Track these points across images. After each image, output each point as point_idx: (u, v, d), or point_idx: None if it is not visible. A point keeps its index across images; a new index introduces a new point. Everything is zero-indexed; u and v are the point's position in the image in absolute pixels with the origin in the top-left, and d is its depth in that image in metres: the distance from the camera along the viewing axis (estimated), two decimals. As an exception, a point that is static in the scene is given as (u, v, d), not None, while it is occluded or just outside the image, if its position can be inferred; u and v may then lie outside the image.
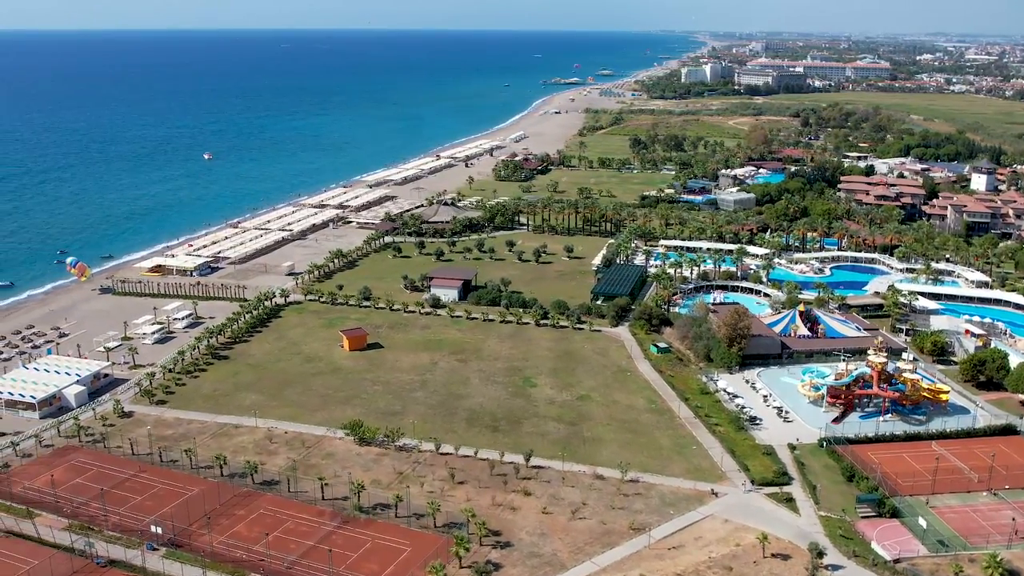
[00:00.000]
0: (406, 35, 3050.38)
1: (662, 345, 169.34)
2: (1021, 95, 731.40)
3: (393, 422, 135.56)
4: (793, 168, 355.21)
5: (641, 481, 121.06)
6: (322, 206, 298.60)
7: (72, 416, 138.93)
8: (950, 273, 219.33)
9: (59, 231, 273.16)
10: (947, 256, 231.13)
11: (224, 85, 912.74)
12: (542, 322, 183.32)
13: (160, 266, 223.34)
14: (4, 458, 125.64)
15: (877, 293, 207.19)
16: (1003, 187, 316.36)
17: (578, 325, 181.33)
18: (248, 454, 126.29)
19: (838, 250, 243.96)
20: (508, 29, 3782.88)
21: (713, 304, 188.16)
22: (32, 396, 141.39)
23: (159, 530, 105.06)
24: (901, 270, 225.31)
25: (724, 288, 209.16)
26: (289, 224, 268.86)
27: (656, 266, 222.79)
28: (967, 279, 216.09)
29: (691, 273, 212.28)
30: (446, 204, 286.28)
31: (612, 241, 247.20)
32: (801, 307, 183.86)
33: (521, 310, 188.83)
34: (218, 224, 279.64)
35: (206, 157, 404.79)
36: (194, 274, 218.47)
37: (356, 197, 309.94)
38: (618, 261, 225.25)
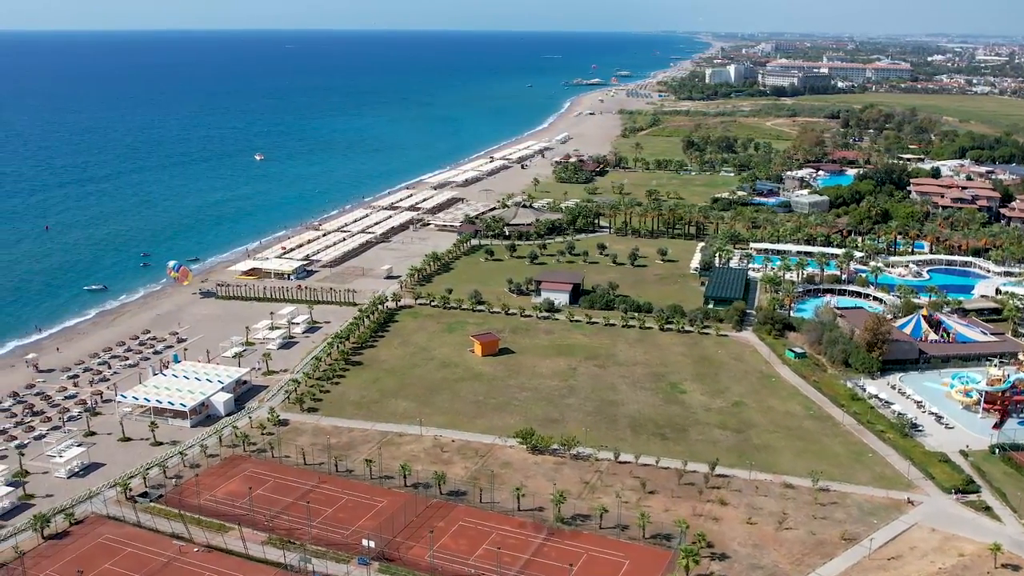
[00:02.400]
0: (407, 36, 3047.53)
1: (798, 350, 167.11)
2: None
3: (555, 429, 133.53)
4: (852, 171, 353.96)
5: (832, 490, 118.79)
6: (394, 208, 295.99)
7: (230, 424, 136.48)
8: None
9: (135, 234, 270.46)
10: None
11: (250, 86, 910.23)
12: (666, 326, 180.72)
13: (255, 269, 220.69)
14: (174, 469, 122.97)
15: (984, 296, 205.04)
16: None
17: (704, 330, 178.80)
18: (422, 463, 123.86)
19: (930, 253, 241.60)
20: (507, 30, 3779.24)
21: (823, 308, 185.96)
22: (182, 404, 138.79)
23: (371, 544, 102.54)
24: (999, 273, 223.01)
25: (832, 292, 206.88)
26: (370, 227, 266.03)
27: (755, 269, 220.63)
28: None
29: (797, 277, 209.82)
30: (524, 207, 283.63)
31: (703, 244, 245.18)
32: (924, 311, 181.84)
33: (637, 314, 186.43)
34: (294, 226, 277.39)
35: (258, 158, 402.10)
36: (291, 277, 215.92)
37: (426, 199, 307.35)
38: (716, 264, 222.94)
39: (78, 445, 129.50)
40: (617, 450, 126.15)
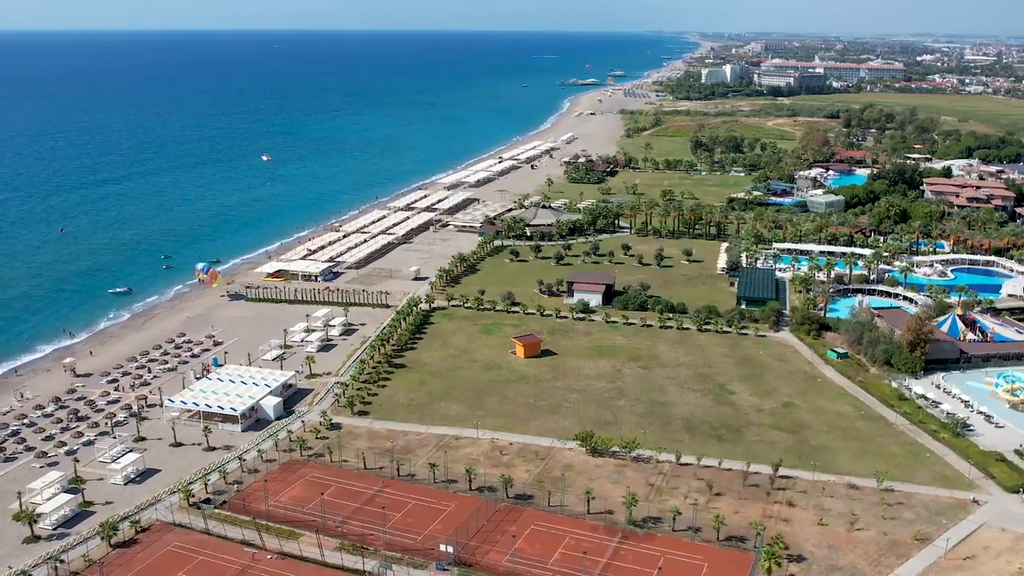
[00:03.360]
0: (395, 36, 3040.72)
1: (840, 351, 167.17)
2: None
3: (610, 432, 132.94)
4: (861, 170, 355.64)
5: (897, 490, 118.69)
6: (410, 208, 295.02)
7: (284, 428, 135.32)
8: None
9: (153, 237, 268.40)
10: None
11: (245, 86, 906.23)
12: (704, 327, 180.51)
13: (281, 271, 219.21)
14: (234, 475, 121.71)
15: (1012, 296, 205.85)
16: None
17: (742, 330, 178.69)
18: (483, 466, 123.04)
19: (951, 253, 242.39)
20: (492, 30, 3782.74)
21: (860, 308, 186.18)
22: (232, 408, 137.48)
23: (450, 549, 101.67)
24: (1023, 272, 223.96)
25: (861, 292, 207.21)
26: (390, 228, 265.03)
27: (782, 269, 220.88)
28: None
29: (827, 277, 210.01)
30: (544, 207, 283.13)
31: (727, 244, 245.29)
32: (959, 311, 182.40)
33: (673, 314, 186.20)
34: (312, 227, 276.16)
35: (265, 159, 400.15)
36: (319, 279, 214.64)
37: (441, 200, 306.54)
38: (743, 265, 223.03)
39: (130, 451, 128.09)
40: (679, 452, 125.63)
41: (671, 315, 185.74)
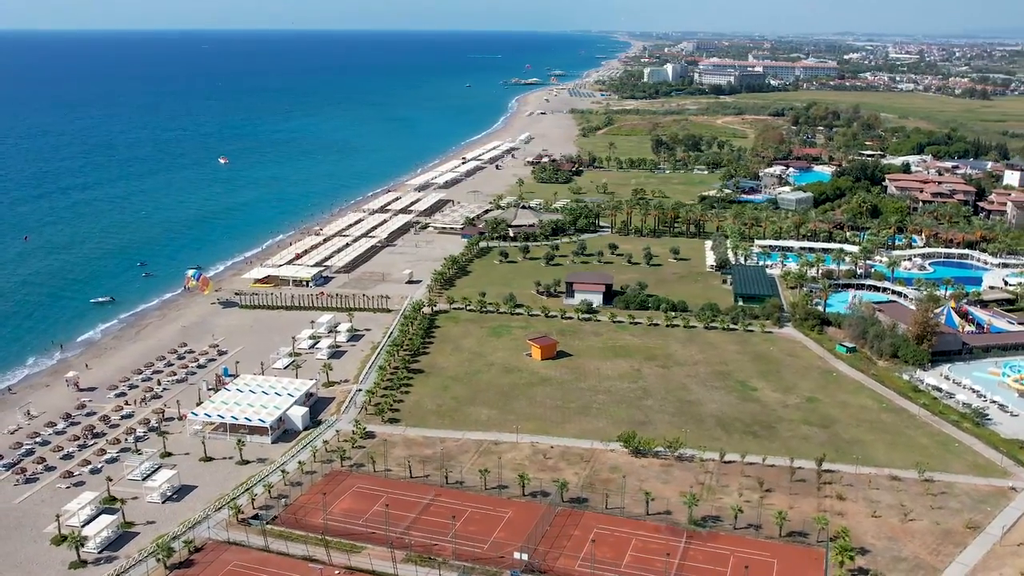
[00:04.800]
0: (324, 35, 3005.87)
1: (849, 345, 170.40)
2: (970, 93, 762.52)
3: (646, 432, 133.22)
4: (818, 167, 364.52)
5: (937, 480, 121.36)
6: (385, 210, 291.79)
7: (316, 438, 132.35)
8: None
9: (124, 243, 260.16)
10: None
11: (185, 87, 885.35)
12: (711, 325, 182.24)
13: (271, 277, 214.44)
14: (277, 489, 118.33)
15: (993, 288, 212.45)
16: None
17: (748, 327, 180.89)
18: (530, 470, 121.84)
19: (924, 247, 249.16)
20: (416, 30, 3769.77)
21: (860, 303, 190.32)
22: (261, 420, 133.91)
23: (525, 556, 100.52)
24: (997, 265, 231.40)
25: (850, 287, 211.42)
26: (371, 231, 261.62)
27: (769, 266, 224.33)
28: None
29: (817, 272, 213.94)
30: (524, 207, 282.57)
31: (712, 242, 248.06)
32: (952, 304, 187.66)
33: (680, 313, 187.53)
34: (287, 231, 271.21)
35: (222, 161, 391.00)
36: (310, 284, 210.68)
37: (415, 202, 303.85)
38: (732, 262, 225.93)
39: (159, 467, 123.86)
40: (723, 450, 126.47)
41: (675, 313, 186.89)
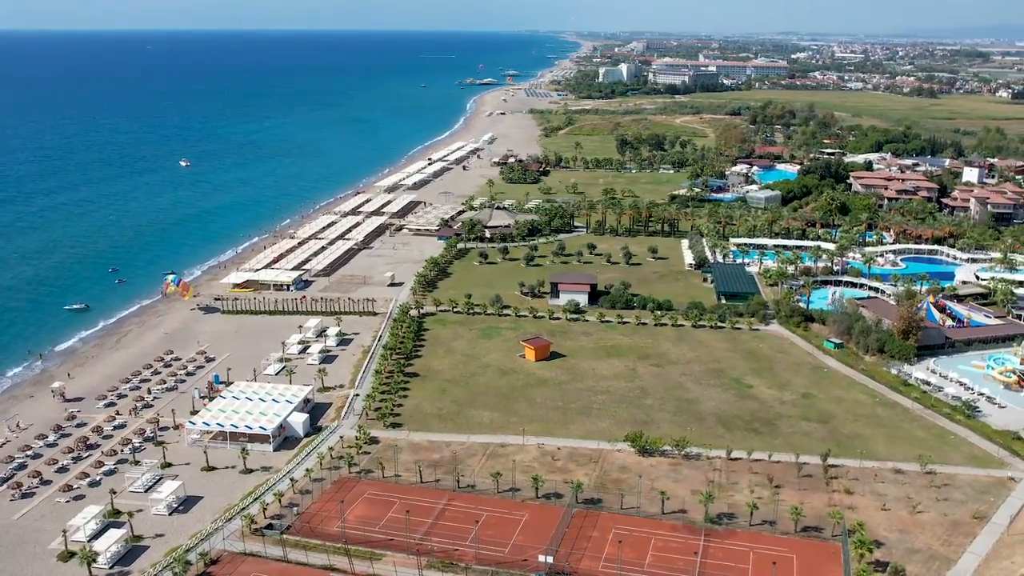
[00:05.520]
0: (273, 36, 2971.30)
1: (836, 341, 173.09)
2: (918, 92, 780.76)
3: (650, 431, 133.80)
4: (781, 166, 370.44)
5: (939, 472, 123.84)
6: (357, 212, 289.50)
7: (324, 444, 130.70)
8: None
9: (93, 249, 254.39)
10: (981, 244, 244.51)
11: (136, 89, 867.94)
12: (699, 323, 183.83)
13: (250, 281, 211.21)
14: (287, 497, 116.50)
15: (965, 282, 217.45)
16: (991, 180, 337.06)
17: (736, 326, 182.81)
18: (541, 472, 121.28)
19: (894, 243, 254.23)
20: (367, 30, 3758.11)
21: (843, 300, 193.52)
22: (262, 427, 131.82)
23: (549, 559, 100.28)
24: (966, 260, 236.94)
25: (828, 283, 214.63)
26: (346, 233, 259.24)
27: (749, 264, 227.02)
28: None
29: (795, 269, 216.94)
30: (498, 208, 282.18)
31: (688, 241, 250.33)
32: (932, 298, 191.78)
33: (661, 312, 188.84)
34: (259, 234, 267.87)
35: (183, 164, 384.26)
36: (291, 288, 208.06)
37: (387, 203, 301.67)
38: (710, 260, 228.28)
39: (161, 478, 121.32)
40: (729, 447, 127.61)
41: (662, 312, 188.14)
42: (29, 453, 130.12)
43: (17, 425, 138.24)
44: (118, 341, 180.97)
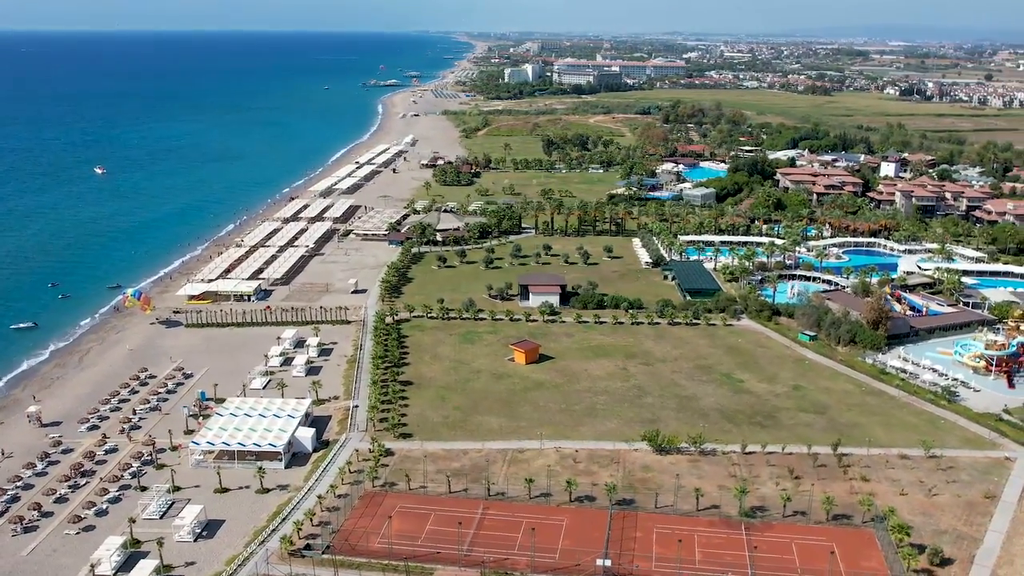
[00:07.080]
0: (150, 37, 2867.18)
1: (810, 333, 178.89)
2: (811, 90, 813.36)
3: (659, 428, 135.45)
4: (704, 164, 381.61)
5: (941, 456, 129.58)
6: (297, 218, 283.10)
7: (338, 459, 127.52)
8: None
9: (25, 264, 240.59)
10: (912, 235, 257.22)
11: (22, 92, 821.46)
12: (675, 321, 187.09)
13: (208, 292, 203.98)
14: (320, 517, 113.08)
15: (909, 272, 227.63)
16: (905, 174, 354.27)
17: (710, 322, 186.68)
18: (566, 475, 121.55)
19: (832, 237, 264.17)
20: (247, 30, 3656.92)
21: (798, 293, 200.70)
22: (271, 444, 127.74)
23: (607, 563, 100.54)
24: (903, 251, 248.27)
25: (783, 277, 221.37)
26: (294, 239, 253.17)
27: (705, 260, 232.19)
28: (964, 256, 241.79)
29: (750, 265, 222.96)
30: (446, 211, 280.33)
31: (639, 240, 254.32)
32: (887, 289, 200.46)
33: (632, 311, 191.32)
34: (200, 244, 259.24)
35: (98, 171, 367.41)
36: (252, 298, 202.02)
37: (327, 208, 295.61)
38: (668, 258, 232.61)
39: (173, 503, 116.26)
40: (744, 442, 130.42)
41: (635, 311, 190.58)
42: (19, 484, 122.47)
43: (2, 453, 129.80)
44: (80, 360, 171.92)
